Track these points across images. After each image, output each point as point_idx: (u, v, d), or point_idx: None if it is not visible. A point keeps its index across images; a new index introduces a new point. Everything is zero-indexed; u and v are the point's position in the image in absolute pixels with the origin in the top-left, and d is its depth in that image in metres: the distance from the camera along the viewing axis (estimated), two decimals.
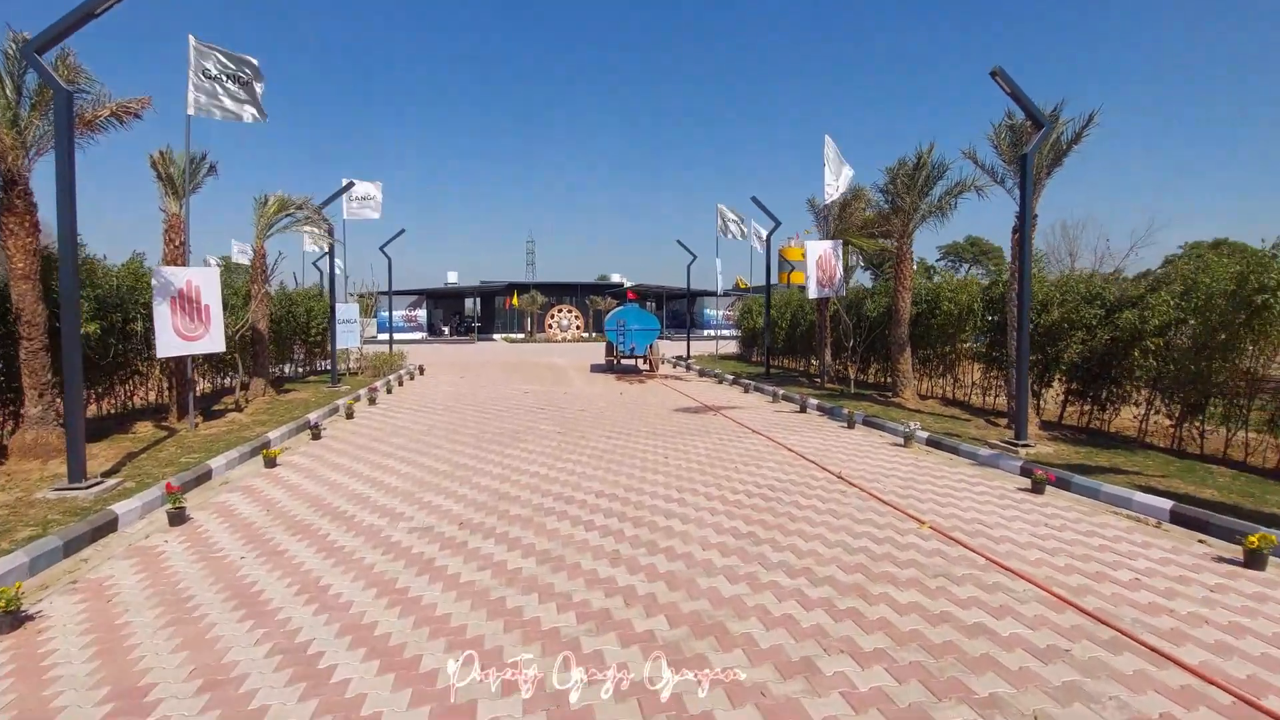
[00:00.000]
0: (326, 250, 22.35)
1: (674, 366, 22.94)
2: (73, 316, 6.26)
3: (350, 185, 15.21)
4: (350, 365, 19.82)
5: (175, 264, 10.21)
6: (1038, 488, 6.63)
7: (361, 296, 25.40)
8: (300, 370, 19.22)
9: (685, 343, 25.33)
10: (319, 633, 3.77)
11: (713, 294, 54.99)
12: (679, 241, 24.89)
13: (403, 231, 22.63)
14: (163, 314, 9.12)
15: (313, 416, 11.07)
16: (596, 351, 32.00)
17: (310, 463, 8.19)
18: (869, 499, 6.41)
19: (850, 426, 10.43)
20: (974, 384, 12.74)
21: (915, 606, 4.04)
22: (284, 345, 17.23)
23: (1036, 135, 8.43)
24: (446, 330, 52.63)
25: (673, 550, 5.00)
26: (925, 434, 9.20)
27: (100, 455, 7.72)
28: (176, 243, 10.46)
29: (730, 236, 23.48)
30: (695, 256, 25.09)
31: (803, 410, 12.21)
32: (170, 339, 9.22)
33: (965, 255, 61.54)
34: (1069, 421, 10.41)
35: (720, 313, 50.07)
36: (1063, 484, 6.73)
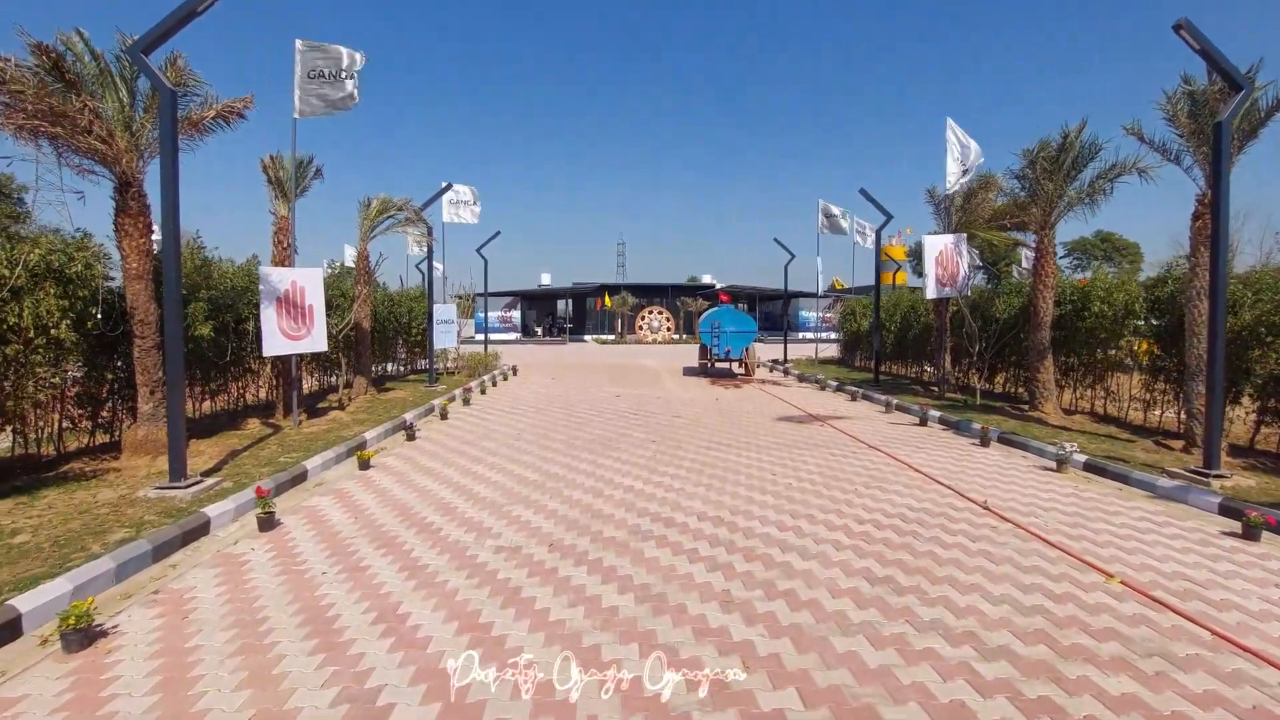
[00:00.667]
0: (427, 252, 23.02)
1: (770, 371, 21.85)
2: (175, 316, 6.27)
3: (448, 187, 15.37)
4: (448, 365, 20.19)
5: (283, 265, 10.43)
6: (1252, 533, 5.29)
7: (460, 298, 26.05)
8: (401, 369, 19.75)
9: (782, 346, 24.14)
10: (391, 677, 3.29)
11: (810, 295, 52.94)
12: (776, 240, 23.78)
13: (498, 234, 22.96)
14: (268, 314, 9.27)
15: (409, 416, 11.04)
16: (688, 354, 31.33)
17: (402, 465, 7.99)
18: (1030, 538, 5.32)
19: (984, 444, 9.15)
20: (1132, 397, 10.98)
21: (1133, 702, 3.06)
22: (387, 345, 17.69)
23: (1235, 99, 6.92)
24: (540, 331, 53.66)
25: (795, 595, 4.21)
26: (1083, 457, 7.83)
27: (205, 453, 7.84)
28: (284, 244, 10.70)
29: (830, 233, 22.11)
30: (793, 255, 23.89)
31: (923, 423, 10.96)
32: (275, 338, 9.36)
33: (1095, 252, 55.87)
34: (1263, 446, 8.64)
35: (818, 315, 48.07)
36: None
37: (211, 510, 5.68)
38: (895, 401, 12.55)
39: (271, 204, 10.93)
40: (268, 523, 5.58)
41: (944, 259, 13.10)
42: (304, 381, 13.79)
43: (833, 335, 48.01)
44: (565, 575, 4.56)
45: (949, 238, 13.13)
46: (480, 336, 30.03)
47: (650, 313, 49.54)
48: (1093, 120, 10.99)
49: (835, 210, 21.40)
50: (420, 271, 26.33)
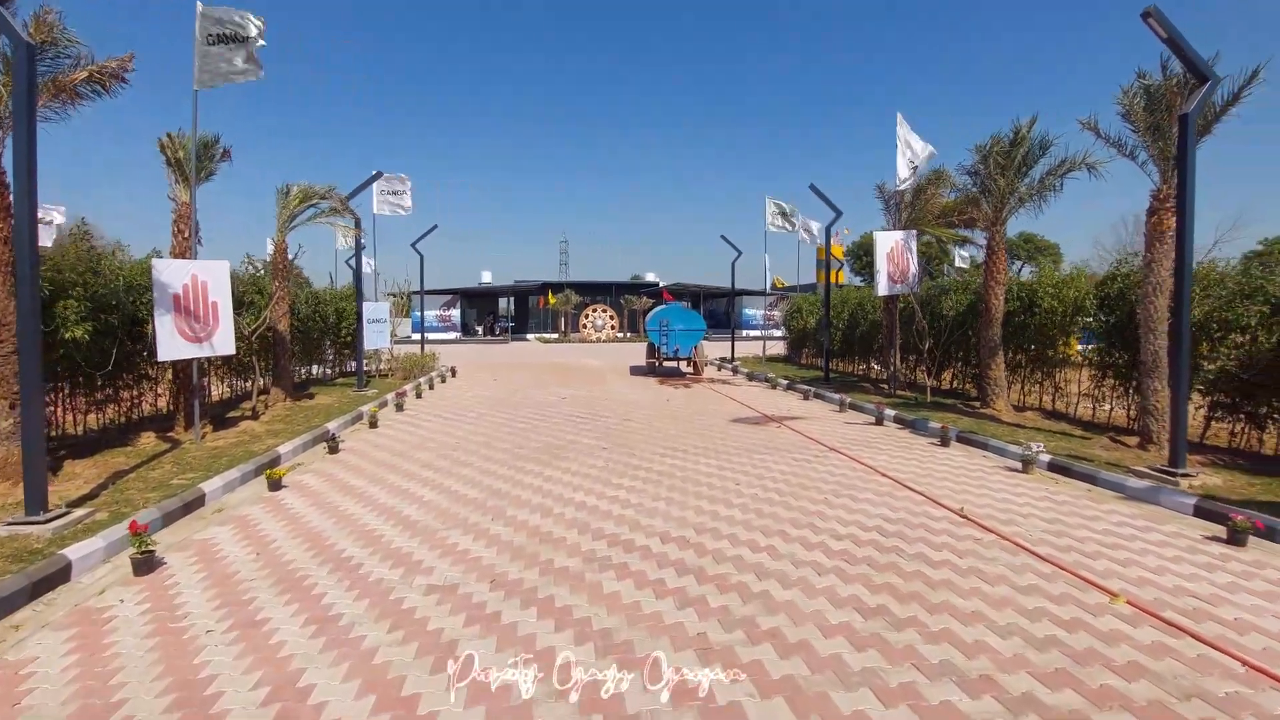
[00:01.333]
0: (355, 246, 21.60)
1: (719, 369, 21.51)
2: (30, 316, 5.19)
3: (378, 175, 14.23)
4: (380, 367, 18.92)
5: (183, 258, 9.21)
6: (1238, 538, 5.07)
7: (394, 296, 24.64)
8: (329, 372, 18.36)
9: (729, 343, 23.88)
10: None
11: (754, 293, 53.31)
12: (723, 237, 23.49)
13: (435, 227, 21.74)
14: (163, 313, 8.11)
15: (332, 425, 10.00)
16: (634, 352, 30.75)
17: (321, 484, 7.04)
18: (1018, 551, 4.94)
19: (944, 444, 8.90)
20: (1081, 393, 11.04)
21: None
22: (312, 347, 16.36)
23: (1200, 91, 6.81)
24: (480, 330, 52.06)
25: (780, 635, 3.64)
26: (1047, 456, 7.64)
27: (81, 475, 6.69)
28: (185, 234, 9.48)
29: (779, 230, 21.96)
30: (740, 252, 23.66)
31: (879, 422, 10.69)
32: (172, 341, 8.20)
33: (1018, 252, 58.46)
34: (1213, 442, 8.70)
35: (761, 312, 48.42)
36: (1273, 533, 5.16)
37: (75, 551, 4.68)
38: (849, 400, 12.30)
39: (171, 189, 9.68)
40: (145, 564, 4.63)
41: (895, 255, 12.94)
42: (212, 389, 12.46)
43: (776, 333, 48.59)
44: (510, 621, 3.85)
45: (899, 234, 12.98)
46: (418, 336, 28.57)
47: (594, 311, 48.77)
48: (1045, 118, 11.07)
49: (785, 206, 21.23)
50: (351, 268, 24.85)
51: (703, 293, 48.58)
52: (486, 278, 53.64)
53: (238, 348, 11.68)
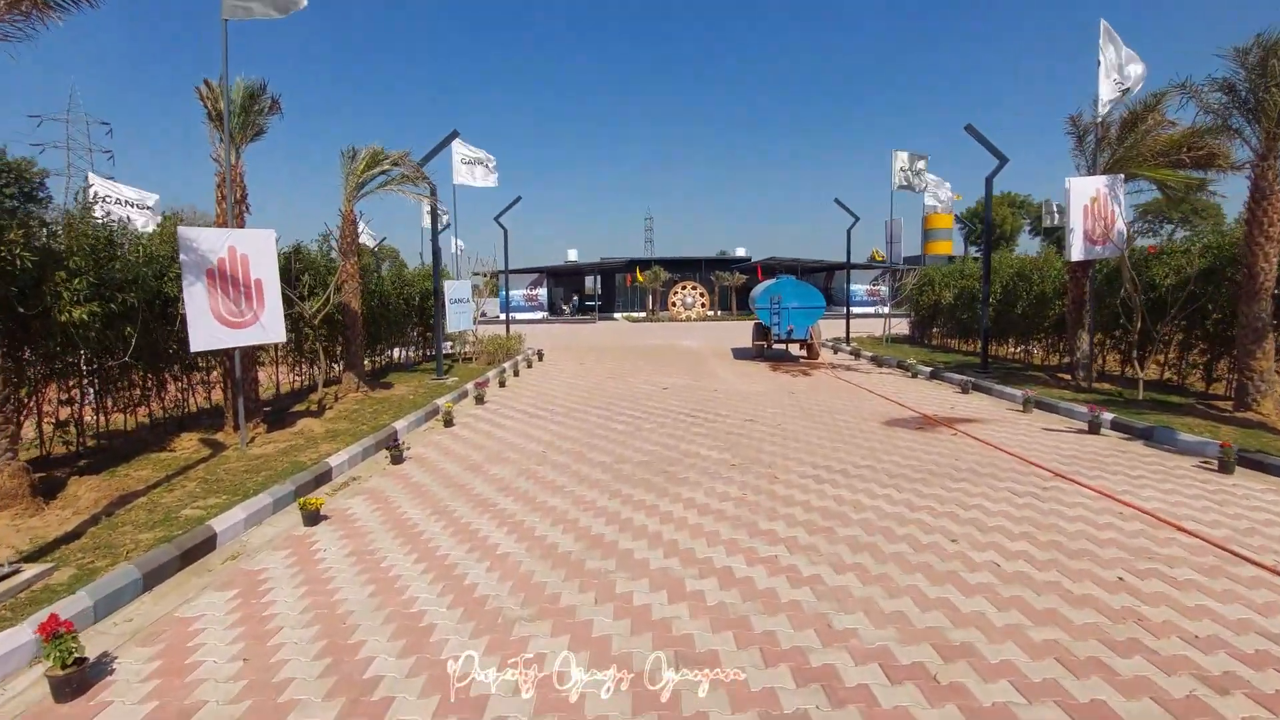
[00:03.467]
0: (430, 217, 20.40)
1: (834, 352, 18.84)
2: None
3: (454, 135, 12.59)
4: (465, 350, 17.65)
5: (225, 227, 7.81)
6: None
7: (479, 275, 23.45)
8: (414, 356, 17.25)
9: (845, 322, 21.08)
10: None
11: (856, 266, 49.21)
12: (837, 200, 20.55)
13: (519, 199, 20.18)
14: (196, 293, 6.68)
15: (401, 425, 8.44)
16: (730, 332, 28.34)
17: (370, 516, 5.36)
18: None
19: (1224, 470, 6.17)
20: None
21: None
22: (394, 329, 15.16)
23: None
24: (567, 309, 51.12)
25: None
26: None
27: (81, 499, 5.29)
28: (233, 199, 8.08)
29: (905, 189, 18.87)
30: (857, 218, 20.66)
31: (1093, 430, 7.96)
32: (207, 326, 6.78)
33: (1172, 215, 50.87)
34: None
35: (865, 288, 44.52)
36: None
37: None
38: (1032, 396, 9.53)
39: (213, 148, 8.30)
40: (69, 686, 2.97)
41: (1096, 208, 9.95)
42: (279, 378, 11.29)
43: (884, 309, 44.57)
44: None
45: (1101, 180, 9.96)
46: (504, 316, 27.41)
47: (683, 288, 46.56)
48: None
49: (917, 162, 18.13)
50: (438, 245, 23.83)
51: (799, 267, 45.12)
52: (572, 255, 52.44)
53: (303, 332, 10.45)
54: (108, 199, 14.51)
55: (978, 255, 44.59)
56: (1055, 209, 37.00)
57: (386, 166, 11.05)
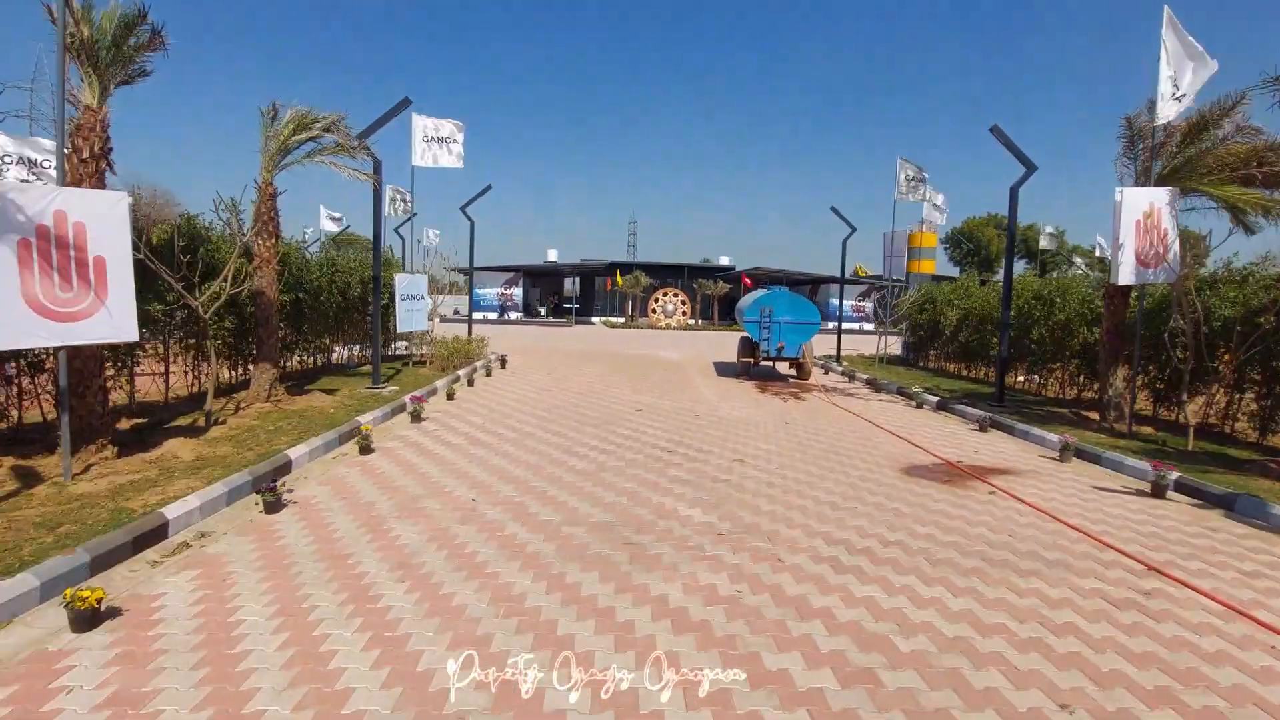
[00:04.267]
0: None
1: (826, 372, 17.35)
2: None
3: (406, 104, 10.72)
4: (419, 352, 15.81)
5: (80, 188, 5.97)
6: None
7: (443, 270, 21.58)
8: (359, 355, 15.35)
9: (836, 339, 19.62)
10: None
11: (840, 280, 48.08)
12: (834, 209, 19.10)
13: (489, 188, 18.39)
14: (3, 269, 4.86)
15: (300, 451, 6.64)
16: (711, 343, 26.77)
17: (175, 623, 3.58)
18: None
19: None
20: None
21: None
22: (325, 324, 13.26)
23: None
24: (543, 311, 49.32)
25: None
26: None
27: None
28: (86, 154, 6.24)
29: (905, 199, 17.49)
30: (854, 228, 19.23)
31: (1157, 493, 6.45)
32: (14, 316, 4.96)
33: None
34: None
35: (850, 303, 43.35)
36: None
37: None
38: (1071, 443, 8.03)
39: (70, 87, 6.44)
40: None
41: (1150, 225, 8.53)
42: (169, 380, 9.37)
43: (868, 326, 43.43)
44: None
45: (1161, 194, 8.54)
46: (477, 316, 25.46)
47: (664, 295, 45.11)
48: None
49: (918, 171, 16.75)
50: (400, 236, 21.90)
51: (785, 279, 43.87)
52: (552, 256, 50.63)
53: (199, 327, 8.59)
54: (5, 159, 12.52)
55: (959, 275, 43.71)
56: (1049, 233, 36.24)
57: (316, 133, 9.25)
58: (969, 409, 10.86)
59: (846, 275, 37.85)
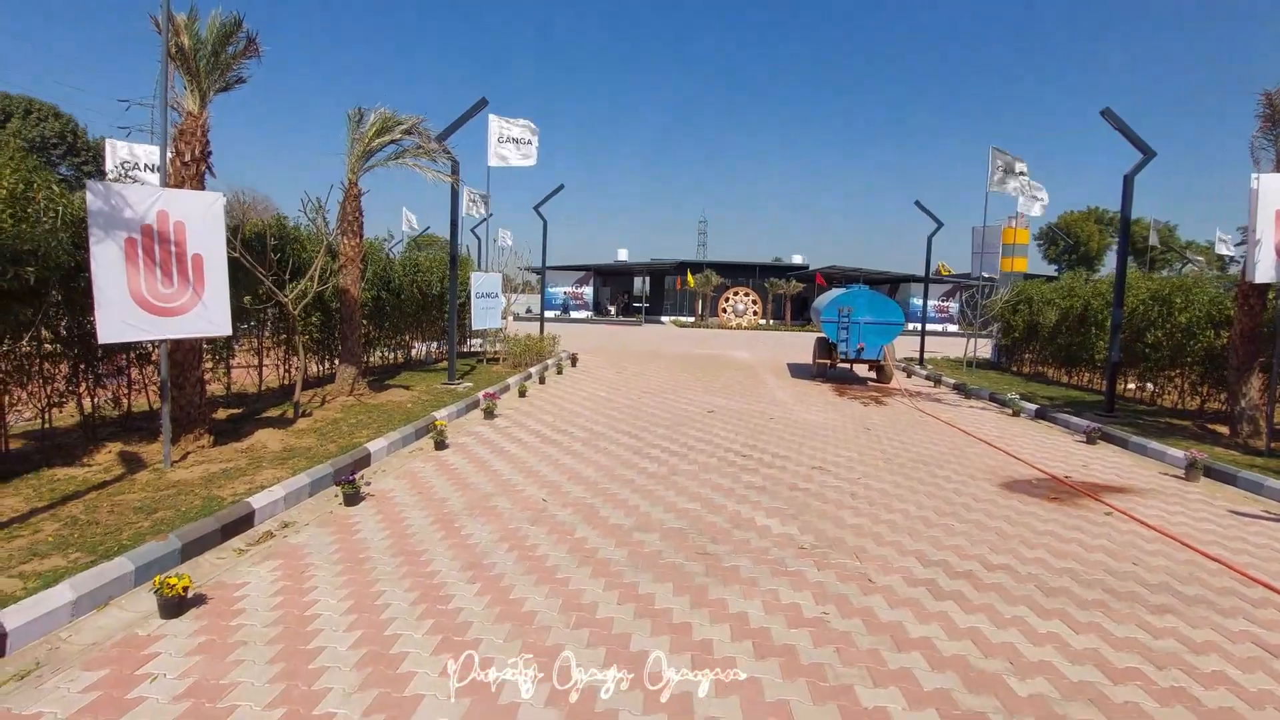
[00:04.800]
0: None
1: (908, 375, 16.48)
2: None
3: (483, 104, 10.88)
4: (492, 349, 16.09)
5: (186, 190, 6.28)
6: None
7: (517, 269, 21.93)
8: (436, 352, 15.78)
9: (919, 341, 18.64)
10: None
11: (920, 279, 45.92)
12: (918, 203, 18.11)
13: (561, 188, 18.49)
14: (108, 266, 5.13)
15: (379, 445, 6.76)
16: (784, 345, 26.06)
17: (256, 612, 3.62)
18: None
19: None
20: None
21: None
22: (407, 322, 13.68)
23: None
24: (613, 310, 49.60)
25: None
26: None
27: None
28: (190, 156, 6.56)
29: (1001, 191, 16.35)
30: (941, 224, 18.20)
31: None
32: (123, 311, 5.24)
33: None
34: None
35: (934, 303, 41.38)
36: None
37: None
38: (1200, 460, 7.16)
39: (173, 94, 6.79)
40: None
41: None
42: (264, 372, 9.82)
43: (952, 327, 41.29)
44: None
45: None
46: (549, 314, 25.84)
47: (735, 294, 44.41)
48: None
49: (1016, 163, 15.62)
50: (476, 236, 22.43)
51: (861, 277, 42.31)
52: (622, 255, 50.82)
53: (289, 320, 8.95)
54: (126, 164, 13.57)
55: (1056, 274, 40.73)
56: (1153, 227, 33.32)
57: (398, 135, 9.47)
58: (1074, 419, 9.97)
59: (930, 274, 36.23)
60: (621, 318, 46.82)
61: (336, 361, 10.14)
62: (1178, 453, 7.55)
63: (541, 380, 12.94)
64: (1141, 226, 56.32)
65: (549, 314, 44.71)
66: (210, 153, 6.83)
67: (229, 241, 6.84)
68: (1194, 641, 3.51)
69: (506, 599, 3.75)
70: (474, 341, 17.99)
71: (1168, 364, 11.77)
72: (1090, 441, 8.90)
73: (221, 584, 3.89)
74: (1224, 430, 9.11)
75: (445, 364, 13.73)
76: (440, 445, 7.26)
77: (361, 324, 9.72)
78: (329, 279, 9.12)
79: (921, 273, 22.56)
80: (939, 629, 3.54)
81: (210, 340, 7.73)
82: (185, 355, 6.42)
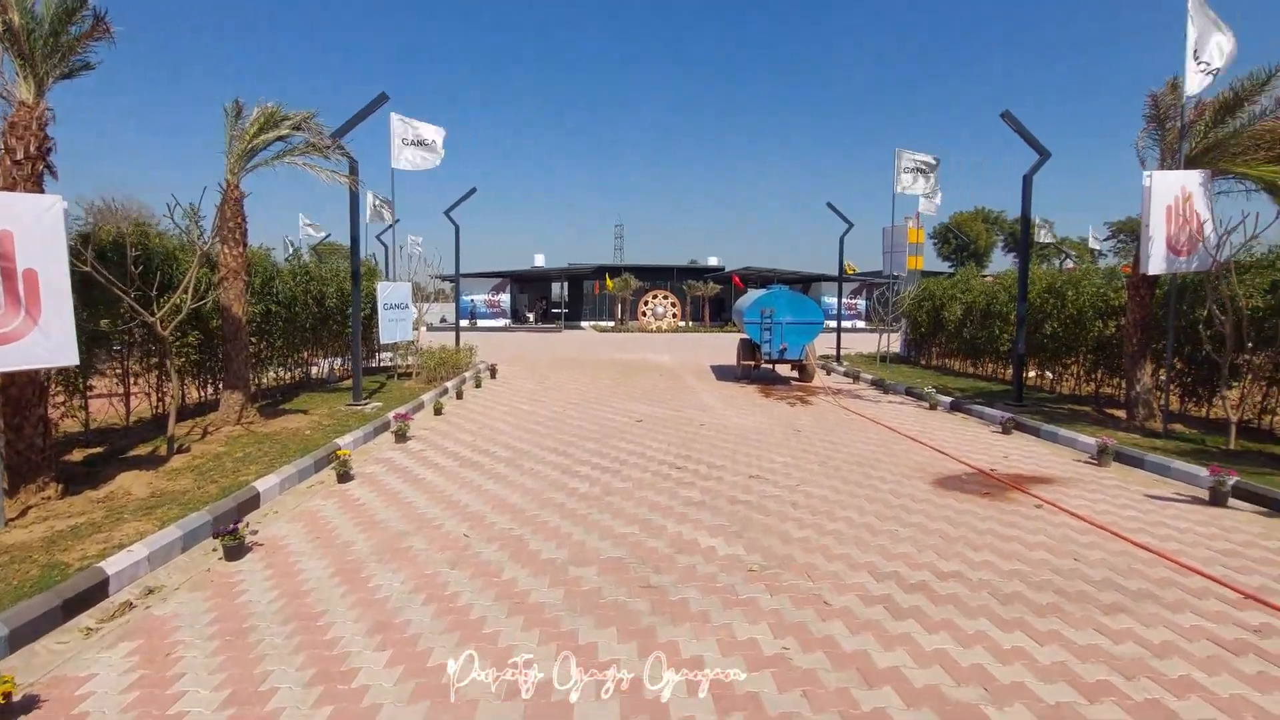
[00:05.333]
0: (349, 199, 17.79)
1: (828, 373, 16.79)
2: None
3: (383, 100, 9.96)
4: (405, 363, 15.08)
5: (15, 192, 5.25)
6: None
7: (433, 278, 20.81)
8: (340, 370, 14.60)
9: (836, 339, 19.07)
10: None
11: (830, 278, 47.70)
12: (830, 205, 18.57)
13: (473, 192, 17.64)
14: None
15: (269, 483, 5.94)
16: (705, 346, 26.18)
17: (117, 705, 2.90)
18: None
19: None
20: None
21: None
22: (302, 338, 12.55)
23: None
24: (531, 317, 48.55)
25: None
26: None
27: None
28: (21, 154, 5.52)
29: (907, 192, 16.98)
30: (851, 224, 18.72)
31: (1218, 501, 5.89)
32: None
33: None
34: None
35: (844, 300, 42.94)
36: None
37: None
38: (1110, 446, 7.46)
39: (3, 81, 5.72)
40: None
41: (1181, 211, 8.02)
42: (130, 402, 8.62)
43: (861, 324, 43.03)
44: None
45: (1193, 177, 8.03)
46: (465, 323, 24.66)
47: (654, 297, 44.55)
48: None
49: (917, 161, 16.23)
50: (383, 243, 21.12)
51: (776, 278, 43.44)
52: (539, 261, 49.87)
53: (160, 341, 7.86)
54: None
55: (950, 271, 43.35)
56: (1039, 225, 35.99)
57: (285, 131, 8.55)
58: (987, 409, 10.32)
59: (861, 271, 37.32)
60: (540, 324, 45.89)
61: (221, 386, 9.04)
62: (1088, 439, 7.85)
63: (459, 395, 12.17)
64: (1006, 224, 61.20)
65: (464, 323, 43.24)
66: (51, 149, 5.80)
67: (77, 253, 5.89)
68: (1153, 644, 3.43)
69: (423, 668, 3.19)
70: (385, 355, 16.86)
71: (1065, 352, 12.47)
72: (1005, 432, 9.18)
73: (61, 679, 3.13)
74: (1121, 415, 9.63)
75: (350, 382, 12.71)
76: (344, 478, 6.50)
77: (249, 343, 8.69)
78: (206, 294, 8.09)
79: (831, 272, 23.02)
80: (905, 655, 3.29)
81: (63, 369, 6.61)
82: (22, 390, 5.39)
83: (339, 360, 14.67)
